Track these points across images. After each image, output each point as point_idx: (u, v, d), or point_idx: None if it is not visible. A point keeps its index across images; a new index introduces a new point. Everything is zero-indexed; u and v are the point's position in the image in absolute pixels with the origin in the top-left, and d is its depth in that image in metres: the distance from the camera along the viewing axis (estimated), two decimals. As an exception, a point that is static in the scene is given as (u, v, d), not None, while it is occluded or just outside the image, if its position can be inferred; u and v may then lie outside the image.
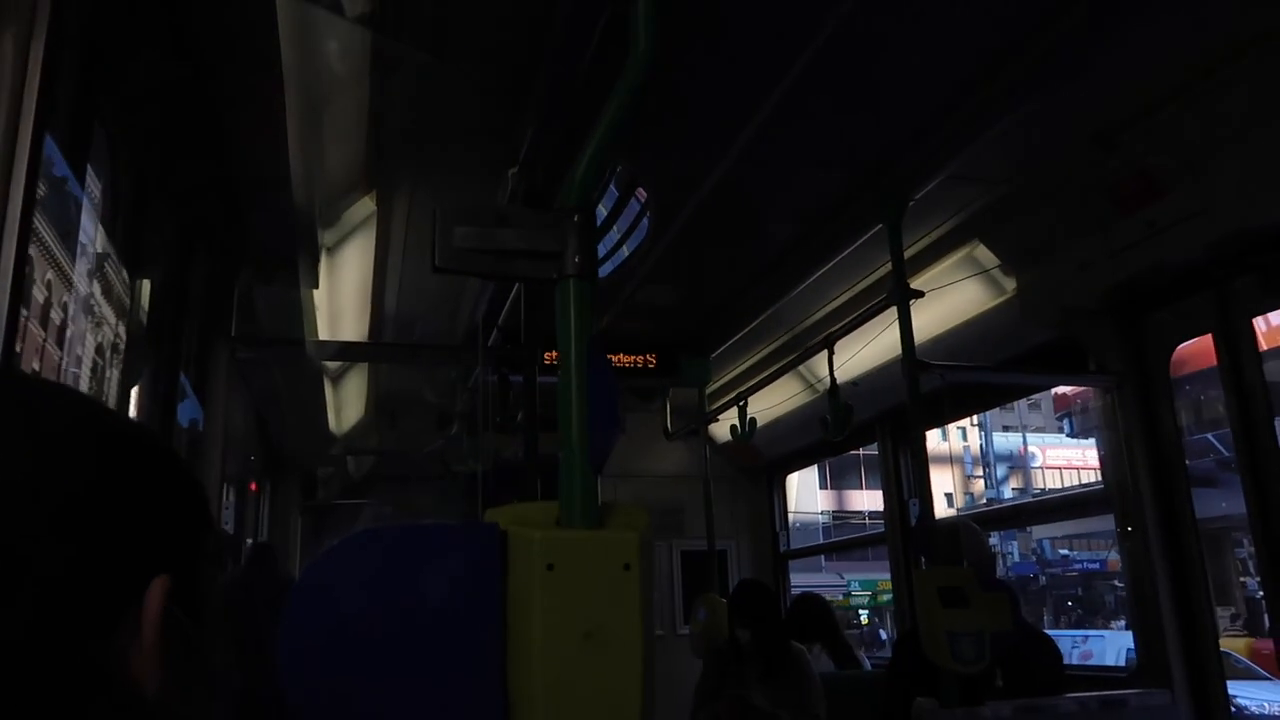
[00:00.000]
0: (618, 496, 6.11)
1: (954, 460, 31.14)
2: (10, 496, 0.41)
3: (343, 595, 0.99)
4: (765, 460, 6.16)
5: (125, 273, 2.14)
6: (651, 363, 4.95)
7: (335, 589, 0.99)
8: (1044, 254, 3.52)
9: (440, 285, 4.21)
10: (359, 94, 2.55)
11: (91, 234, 1.90)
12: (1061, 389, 19.83)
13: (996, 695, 2.88)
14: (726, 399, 5.17)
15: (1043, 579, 26.42)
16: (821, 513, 27.08)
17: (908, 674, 3.11)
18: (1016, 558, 27.00)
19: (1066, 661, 4.12)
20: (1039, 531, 25.68)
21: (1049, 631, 6.23)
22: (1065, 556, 26.20)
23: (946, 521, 3.23)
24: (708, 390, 5.50)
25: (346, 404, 5.63)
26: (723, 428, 5.44)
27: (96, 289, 1.93)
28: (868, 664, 5.20)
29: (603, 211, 3.46)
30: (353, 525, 7.31)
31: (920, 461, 3.13)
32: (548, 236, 1.13)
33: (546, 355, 3.96)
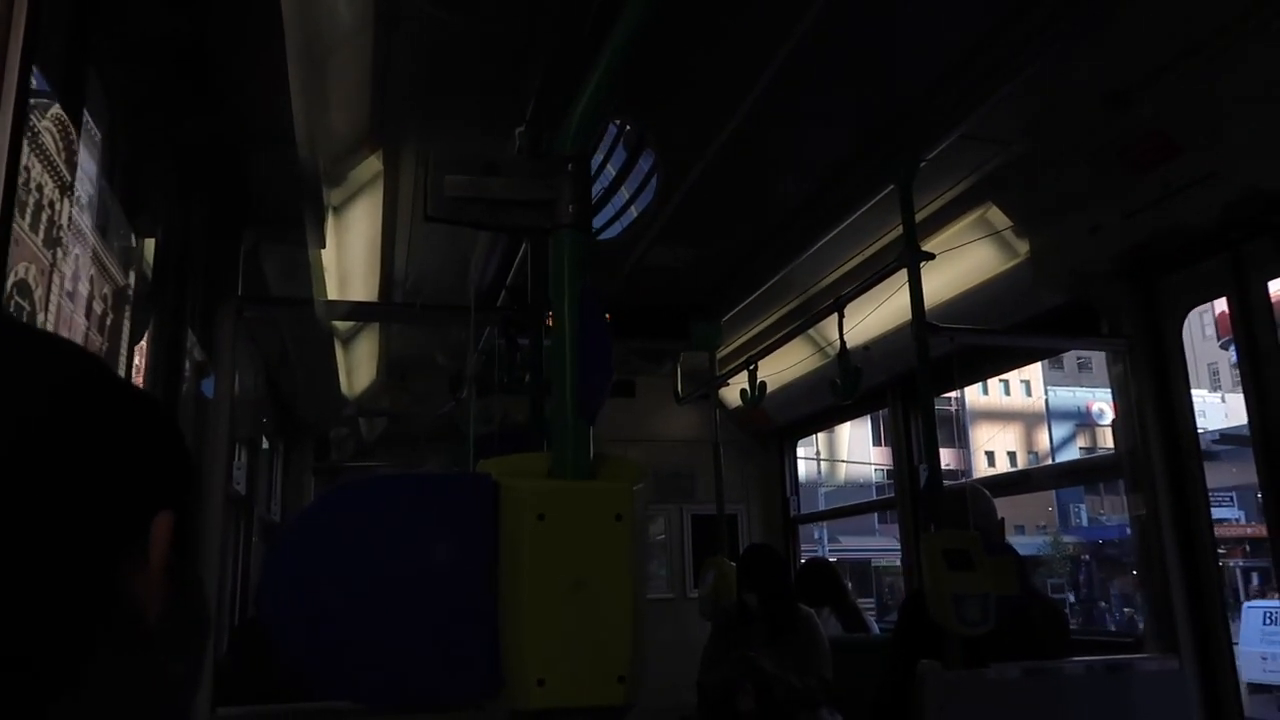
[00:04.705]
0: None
1: (1024, 417, 30.57)
2: (23, 431, 0.45)
3: (329, 541, 0.99)
4: (775, 425, 6.16)
5: (129, 226, 2.13)
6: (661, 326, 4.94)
7: (323, 535, 0.99)
8: (1057, 216, 3.47)
9: (449, 246, 4.19)
10: (362, 47, 2.52)
11: (93, 184, 1.90)
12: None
13: (1002, 659, 2.89)
14: (737, 363, 5.16)
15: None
16: (876, 469, 26.56)
17: (913, 637, 3.11)
18: (1085, 521, 26.29)
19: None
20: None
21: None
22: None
23: (954, 486, 3.21)
24: (719, 354, 5.48)
25: (358, 366, 5.64)
26: (733, 392, 5.42)
27: (99, 241, 1.94)
28: (876, 628, 5.24)
29: (611, 172, 3.43)
30: (366, 487, 7.37)
31: (929, 425, 3.11)
32: (540, 185, 1.12)
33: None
